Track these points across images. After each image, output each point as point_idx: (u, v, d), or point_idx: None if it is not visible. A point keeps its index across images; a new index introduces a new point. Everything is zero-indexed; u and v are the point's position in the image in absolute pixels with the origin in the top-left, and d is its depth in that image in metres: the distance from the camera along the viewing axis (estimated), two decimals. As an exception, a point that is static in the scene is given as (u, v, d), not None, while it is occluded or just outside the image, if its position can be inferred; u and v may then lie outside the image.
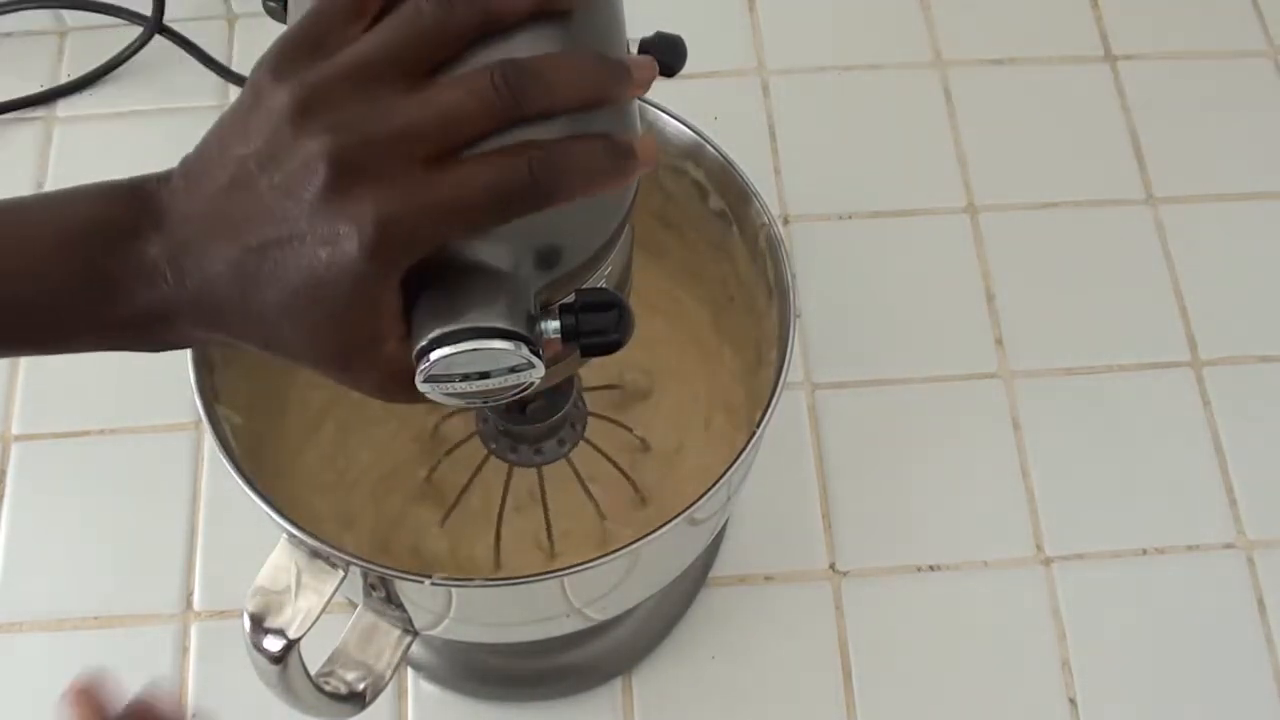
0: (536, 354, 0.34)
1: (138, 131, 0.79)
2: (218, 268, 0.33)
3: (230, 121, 0.34)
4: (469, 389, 0.35)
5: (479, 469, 0.59)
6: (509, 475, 0.59)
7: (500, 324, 0.33)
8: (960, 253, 0.76)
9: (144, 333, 0.35)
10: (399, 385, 0.35)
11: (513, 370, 0.34)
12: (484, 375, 0.34)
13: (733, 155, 0.56)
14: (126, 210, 0.35)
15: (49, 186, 0.77)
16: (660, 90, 0.60)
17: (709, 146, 0.58)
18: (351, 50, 0.33)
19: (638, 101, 0.60)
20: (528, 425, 0.53)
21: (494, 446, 0.55)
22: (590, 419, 0.57)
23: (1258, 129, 0.81)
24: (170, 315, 0.35)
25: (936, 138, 0.80)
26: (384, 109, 0.33)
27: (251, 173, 0.33)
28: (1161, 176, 0.79)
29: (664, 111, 0.59)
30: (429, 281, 0.34)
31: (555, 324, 0.35)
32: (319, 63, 0.33)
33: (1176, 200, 0.78)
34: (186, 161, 0.35)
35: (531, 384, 0.35)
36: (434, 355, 0.33)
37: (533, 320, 0.34)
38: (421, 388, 0.34)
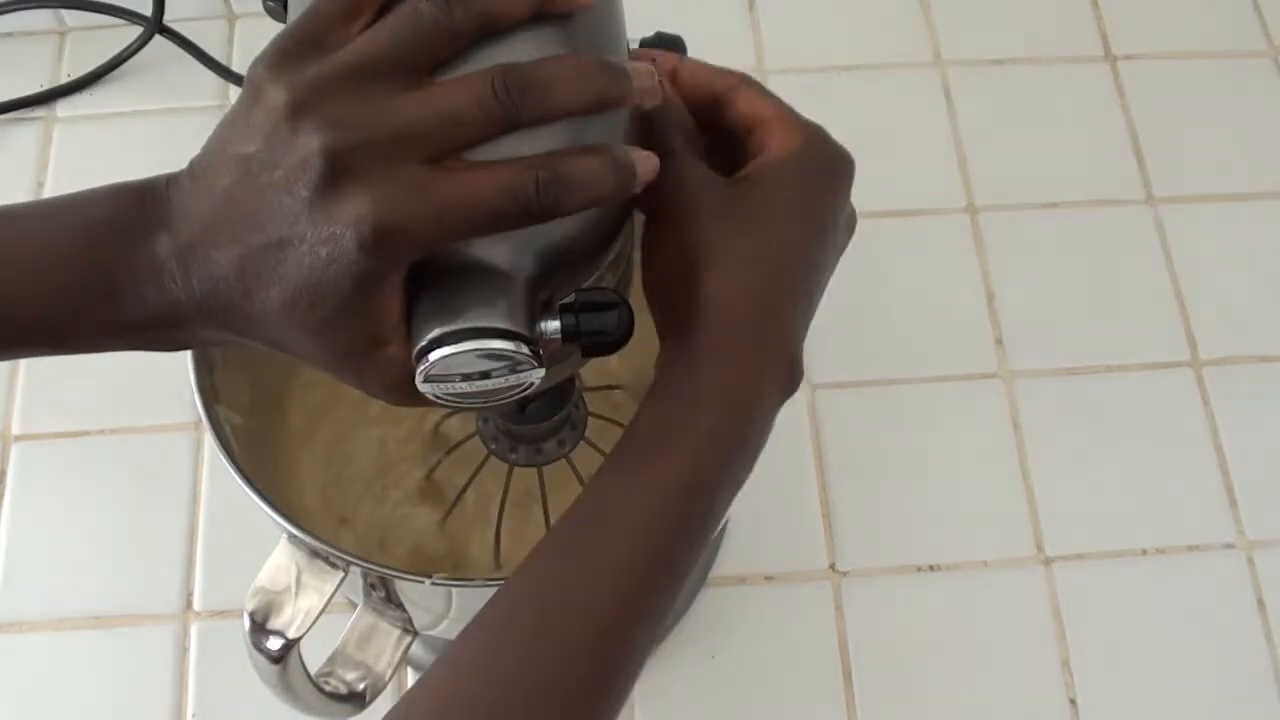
0: (537, 354, 0.34)
1: (138, 131, 0.79)
2: (223, 268, 0.33)
3: (231, 121, 0.34)
4: (469, 389, 0.35)
5: (479, 469, 0.59)
6: (509, 475, 0.59)
7: (500, 324, 0.33)
8: (960, 253, 0.76)
9: (155, 332, 0.36)
10: (402, 386, 0.35)
11: (513, 370, 0.34)
12: (484, 375, 0.34)
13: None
14: (136, 211, 0.35)
15: (49, 186, 0.77)
16: (660, 90, 0.60)
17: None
18: (350, 49, 0.33)
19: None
20: (528, 425, 0.53)
21: (494, 446, 0.55)
22: (591, 419, 0.57)
23: (1258, 129, 0.81)
24: (179, 315, 0.35)
25: (937, 138, 0.80)
26: (382, 108, 0.33)
27: (252, 172, 0.33)
28: (1161, 176, 0.79)
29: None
30: (429, 281, 0.34)
31: (555, 324, 0.35)
32: (317, 61, 0.33)
33: (1176, 200, 0.78)
34: (194, 162, 0.35)
35: (532, 384, 0.35)
36: (433, 356, 0.33)
37: (533, 320, 0.34)
38: (421, 388, 0.34)
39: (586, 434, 0.57)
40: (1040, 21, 0.84)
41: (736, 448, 0.38)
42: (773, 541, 0.68)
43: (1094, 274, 0.76)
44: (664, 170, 0.37)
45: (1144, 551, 0.68)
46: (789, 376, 0.39)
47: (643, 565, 0.36)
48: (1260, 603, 0.67)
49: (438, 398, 0.35)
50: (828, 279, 0.41)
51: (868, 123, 0.80)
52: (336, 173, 0.32)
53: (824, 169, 0.40)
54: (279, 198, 0.32)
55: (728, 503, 0.38)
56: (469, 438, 0.59)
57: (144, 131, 0.79)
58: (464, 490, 0.60)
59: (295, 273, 0.33)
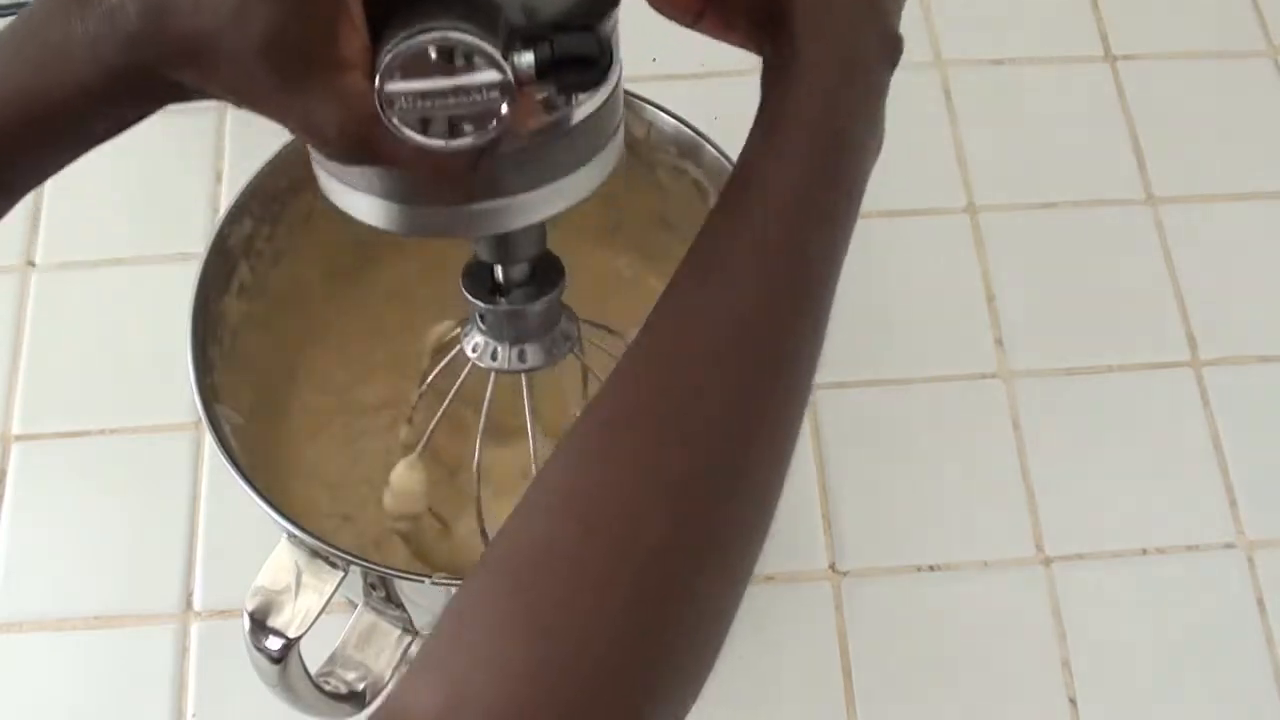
0: (508, 63, 0.33)
1: (137, 130, 0.78)
2: None
3: None
4: (433, 109, 0.33)
5: (458, 386, 0.55)
6: (479, 443, 0.58)
7: (470, 26, 0.32)
8: (960, 253, 0.76)
9: (126, 85, 0.36)
10: (357, 130, 0.34)
11: (483, 88, 0.33)
12: (452, 93, 0.33)
13: (733, 155, 0.56)
14: None
15: (48, 185, 0.77)
16: (661, 90, 0.60)
17: (709, 146, 0.58)
18: None
19: (639, 102, 0.60)
20: (515, 308, 0.48)
21: (475, 352, 0.50)
22: (590, 348, 0.55)
23: (1258, 129, 0.81)
24: (141, 58, 0.35)
25: (936, 138, 0.80)
26: None
27: None
28: (1161, 176, 0.79)
29: (664, 111, 0.59)
30: (399, 5, 0.33)
31: (530, 56, 0.34)
32: None
33: (1176, 200, 0.78)
34: None
35: (503, 111, 0.34)
36: (393, 52, 0.32)
37: (508, 47, 0.33)
38: (382, 111, 0.33)
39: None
40: (1040, 21, 0.85)
41: (860, 108, 0.41)
42: (773, 542, 0.67)
43: (1094, 274, 0.76)
44: None
45: (1144, 551, 0.68)
46: (891, 47, 0.41)
47: (800, 226, 0.40)
48: (1260, 603, 0.67)
49: (397, 127, 0.34)
50: None
51: (868, 123, 0.80)
52: None
53: None
54: None
55: (865, 164, 0.41)
56: (459, 385, 0.56)
57: (143, 131, 0.78)
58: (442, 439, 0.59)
59: None
